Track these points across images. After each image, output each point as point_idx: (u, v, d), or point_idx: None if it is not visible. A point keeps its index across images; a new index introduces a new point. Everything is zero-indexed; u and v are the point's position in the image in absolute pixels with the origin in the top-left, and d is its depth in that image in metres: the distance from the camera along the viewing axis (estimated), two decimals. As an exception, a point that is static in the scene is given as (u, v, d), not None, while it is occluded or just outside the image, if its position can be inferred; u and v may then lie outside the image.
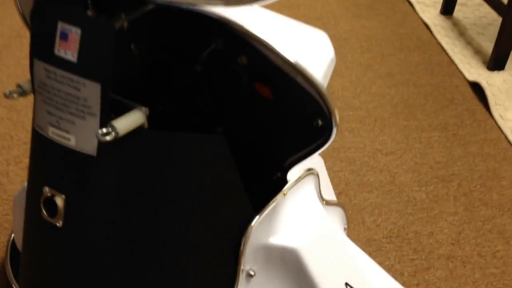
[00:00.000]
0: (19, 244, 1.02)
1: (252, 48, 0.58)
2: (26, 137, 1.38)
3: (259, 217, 0.68)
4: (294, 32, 0.64)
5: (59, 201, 0.61)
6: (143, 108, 0.58)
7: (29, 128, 1.42)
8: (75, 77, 0.57)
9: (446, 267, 1.11)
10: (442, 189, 1.30)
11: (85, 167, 0.59)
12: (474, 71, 1.73)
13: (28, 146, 1.36)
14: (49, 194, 0.61)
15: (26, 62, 1.64)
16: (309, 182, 0.74)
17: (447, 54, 1.84)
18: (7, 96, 0.62)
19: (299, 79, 0.57)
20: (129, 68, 0.78)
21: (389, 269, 1.10)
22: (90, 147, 0.59)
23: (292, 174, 0.71)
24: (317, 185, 0.76)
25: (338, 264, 0.72)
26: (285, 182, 0.72)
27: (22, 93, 0.63)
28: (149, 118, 0.59)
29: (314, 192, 0.74)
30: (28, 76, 1.59)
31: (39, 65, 0.59)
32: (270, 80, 0.60)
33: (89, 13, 0.60)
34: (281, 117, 0.65)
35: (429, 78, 1.71)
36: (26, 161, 1.31)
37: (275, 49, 0.55)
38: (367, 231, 1.18)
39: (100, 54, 0.55)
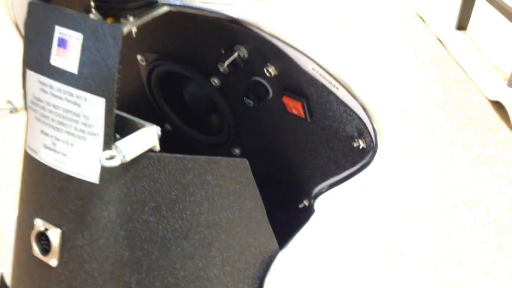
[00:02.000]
0: (9, 282, 0.92)
1: (284, 57, 0.49)
2: (20, 158, 1.29)
3: (283, 252, 0.59)
4: (329, 37, 0.55)
5: (54, 236, 0.52)
6: (154, 127, 0.49)
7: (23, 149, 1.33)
8: (75, 91, 0.48)
9: (479, 301, 1.02)
10: (469, 215, 1.21)
11: (86, 196, 0.50)
12: (493, 88, 1.65)
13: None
14: (42, 228, 0.52)
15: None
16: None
17: (464, 70, 1.76)
18: (-5, 113, 0.53)
19: (341, 93, 0.48)
20: (134, 79, 0.70)
21: (417, 303, 1.01)
22: (91, 173, 0.50)
23: (322, 203, 0.62)
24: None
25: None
26: (312, 211, 0.62)
27: (13, 110, 0.54)
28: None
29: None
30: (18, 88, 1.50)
31: (33, 77, 0.51)
32: (304, 94, 0.51)
33: (92, 16, 0.51)
34: (312, 137, 0.56)
35: (448, 96, 1.63)
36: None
37: (314, 58, 0.46)
38: (392, 260, 1.08)
39: (105, 63, 0.46)
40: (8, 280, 0.91)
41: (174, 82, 0.67)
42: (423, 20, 2.08)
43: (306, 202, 0.63)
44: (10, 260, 0.90)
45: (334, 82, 0.47)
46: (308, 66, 0.47)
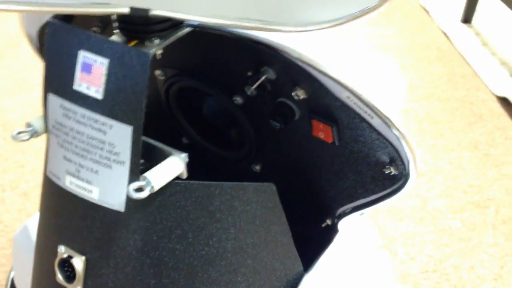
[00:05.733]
0: (19, 285, 0.91)
1: (314, 82, 0.48)
2: (22, 159, 1.27)
3: (308, 275, 0.58)
4: (360, 60, 0.54)
5: (78, 263, 0.50)
6: (183, 155, 0.48)
7: (26, 149, 1.31)
8: (100, 118, 0.47)
9: (490, 306, 1.02)
10: (478, 216, 1.20)
11: (111, 224, 0.49)
12: (501, 84, 1.64)
13: (24, 170, 1.25)
14: (65, 255, 0.51)
15: (23, 75, 1.53)
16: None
17: (470, 65, 1.75)
18: (15, 137, 0.51)
19: (375, 122, 0.47)
20: (151, 92, 0.68)
21: (428, 308, 1.01)
22: (116, 201, 0.48)
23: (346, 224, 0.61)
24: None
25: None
26: (336, 230, 0.62)
27: (33, 133, 0.52)
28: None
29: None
30: (27, 92, 1.48)
31: (55, 101, 0.49)
32: (335, 119, 0.50)
33: (116, 38, 0.49)
34: (339, 159, 0.55)
35: (454, 92, 1.62)
36: (23, 186, 1.20)
37: (346, 84, 0.44)
38: (401, 265, 1.08)
39: (132, 90, 0.45)
40: (19, 285, 0.91)
41: (193, 97, 0.65)
42: (427, 12, 2.06)
43: (329, 221, 0.62)
44: (21, 270, 0.89)
45: (369, 111, 0.46)
46: (342, 94, 0.46)
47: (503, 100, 1.58)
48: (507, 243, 1.14)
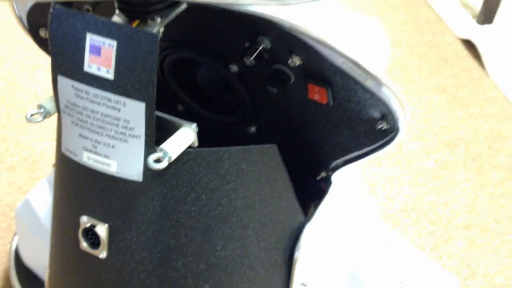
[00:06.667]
0: (26, 259, 0.94)
1: (308, 48, 0.52)
2: (3, 134, 1.27)
3: (309, 224, 0.63)
4: (348, 24, 0.58)
5: (102, 231, 0.55)
6: (193, 126, 0.52)
7: (5, 123, 1.31)
8: (114, 96, 0.50)
9: (465, 237, 1.11)
10: (450, 156, 1.28)
11: (130, 193, 0.53)
12: (464, 27, 1.70)
13: (7, 144, 1.26)
14: (88, 225, 0.55)
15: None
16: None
17: (433, 10, 1.80)
18: (29, 119, 0.54)
19: (368, 83, 0.51)
20: None
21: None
22: (134, 172, 0.52)
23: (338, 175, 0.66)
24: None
25: (393, 267, 0.69)
26: (329, 182, 0.67)
27: (46, 114, 0.55)
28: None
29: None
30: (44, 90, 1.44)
31: (65, 82, 0.52)
32: (330, 82, 0.54)
33: (117, 18, 0.52)
34: (333, 117, 0.59)
35: (420, 37, 1.67)
36: (8, 160, 1.21)
37: (342, 51, 0.49)
38: (381, 206, 1.16)
39: (143, 69, 0.48)
40: (25, 259, 0.94)
41: (188, 66, 0.68)
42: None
43: (323, 174, 0.67)
44: (26, 241, 0.92)
45: (363, 74, 0.50)
46: (337, 60, 0.50)
47: (467, 43, 1.64)
48: (477, 178, 1.23)
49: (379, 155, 0.63)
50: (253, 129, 0.69)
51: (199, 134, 0.54)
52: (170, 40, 0.65)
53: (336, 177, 0.66)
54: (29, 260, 0.94)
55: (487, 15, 1.68)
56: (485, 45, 1.59)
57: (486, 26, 1.69)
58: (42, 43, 0.68)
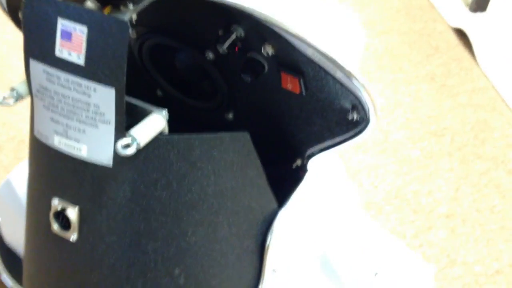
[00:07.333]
0: (8, 239, 0.95)
1: (280, 38, 0.52)
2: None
3: (282, 211, 0.64)
4: (321, 15, 0.58)
5: (72, 213, 0.55)
6: (163, 112, 0.52)
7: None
8: (84, 82, 0.50)
9: (446, 226, 1.12)
10: (435, 145, 1.29)
11: (101, 178, 0.53)
12: (456, 15, 1.69)
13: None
14: (59, 207, 0.56)
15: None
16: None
17: (426, -3, 1.79)
18: (1, 103, 0.54)
19: (338, 74, 0.52)
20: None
21: (391, 232, 1.10)
22: (104, 157, 0.53)
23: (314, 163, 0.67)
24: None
25: (368, 257, 0.70)
26: (305, 170, 0.68)
27: (18, 97, 0.55)
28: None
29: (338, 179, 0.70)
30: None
31: (37, 66, 0.52)
32: (301, 71, 0.55)
33: (89, 4, 0.52)
34: (306, 107, 0.60)
35: (412, 25, 1.67)
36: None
37: (311, 43, 0.49)
38: (365, 193, 1.17)
39: (113, 55, 0.48)
40: (7, 240, 0.95)
41: (166, 52, 0.68)
42: None
43: (299, 162, 0.68)
44: (7, 221, 0.93)
45: (332, 66, 0.50)
46: (307, 51, 0.50)
47: (459, 32, 1.64)
48: (461, 168, 1.24)
49: (354, 143, 0.63)
50: (230, 116, 0.70)
51: (177, 120, 0.54)
52: (148, 25, 0.65)
53: (312, 164, 0.67)
54: (11, 240, 0.95)
55: (480, 3, 1.67)
56: (477, 34, 1.59)
57: (479, 14, 1.69)
58: (21, 25, 0.68)
